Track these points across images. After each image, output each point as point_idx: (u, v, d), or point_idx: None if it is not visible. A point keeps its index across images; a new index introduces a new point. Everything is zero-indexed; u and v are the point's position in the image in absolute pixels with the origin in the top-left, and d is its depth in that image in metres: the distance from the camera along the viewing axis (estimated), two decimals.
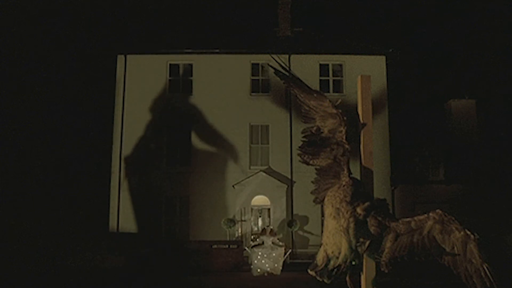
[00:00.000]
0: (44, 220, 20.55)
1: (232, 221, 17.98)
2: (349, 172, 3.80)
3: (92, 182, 22.90)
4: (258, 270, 13.64)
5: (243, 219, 18.12)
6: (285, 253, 14.73)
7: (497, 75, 34.81)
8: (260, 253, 13.61)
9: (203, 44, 20.66)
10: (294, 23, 22.40)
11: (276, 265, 13.69)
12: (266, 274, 13.37)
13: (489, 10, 38.39)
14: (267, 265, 13.55)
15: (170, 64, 20.29)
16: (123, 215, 18.97)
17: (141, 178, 19.30)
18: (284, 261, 14.00)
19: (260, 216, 18.82)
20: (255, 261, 13.73)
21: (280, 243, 14.31)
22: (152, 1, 39.27)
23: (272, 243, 13.82)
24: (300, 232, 18.65)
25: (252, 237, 17.28)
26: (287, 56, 19.68)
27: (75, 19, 35.66)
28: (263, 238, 13.92)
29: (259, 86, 20.34)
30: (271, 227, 15.68)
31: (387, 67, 20.24)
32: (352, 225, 3.56)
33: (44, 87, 26.04)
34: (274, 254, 13.64)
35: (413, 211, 18.33)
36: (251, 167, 19.43)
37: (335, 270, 3.63)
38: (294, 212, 18.88)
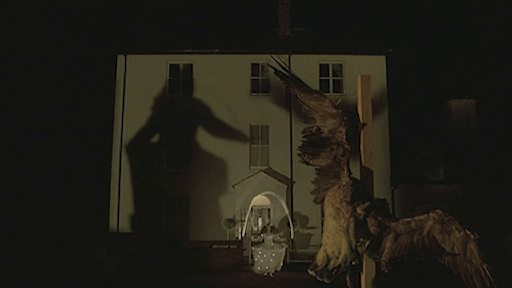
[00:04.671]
0: (44, 220, 20.53)
1: (232, 221, 17.98)
2: (349, 172, 3.80)
3: (92, 182, 22.90)
4: (259, 268, 13.63)
5: (243, 219, 18.11)
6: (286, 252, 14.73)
7: (497, 75, 34.82)
8: (260, 253, 13.61)
9: (203, 44, 20.65)
10: (294, 23, 22.40)
11: (276, 264, 13.68)
12: (266, 274, 13.35)
13: (489, 10, 38.39)
14: (266, 266, 13.54)
15: (170, 64, 20.28)
16: (123, 215, 18.96)
17: (141, 178, 19.28)
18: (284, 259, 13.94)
19: (260, 216, 18.81)
20: (256, 260, 13.72)
21: (282, 239, 14.28)
22: (152, 1, 39.27)
23: (274, 240, 13.80)
24: (301, 231, 18.61)
25: (252, 237, 17.29)
26: (287, 56, 19.67)
27: (75, 19, 35.67)
28: (264, 236, 13.91)
29: (259, 86, 20.34)
30: (272, 224, 15.68)
31: (387, 67, 20.23)
32: (352, 225, 3.56)
33: (44, 87, 26.04)
34: (274, 254, 13.63)
35: (413, 211, 18.33)
36: (251, 167, 19.42)
37: (335, 270, 3.63)
38: (294, 212, 18.87)
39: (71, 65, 29.81)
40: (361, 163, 3.99)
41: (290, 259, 17.19)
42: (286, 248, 14.84)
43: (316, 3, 43.99)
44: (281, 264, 13.88)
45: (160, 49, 20.26)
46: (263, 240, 13.98)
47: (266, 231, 14.19)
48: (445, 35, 41.63)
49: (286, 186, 19.00)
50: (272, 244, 13.70)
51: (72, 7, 35.67)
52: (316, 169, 4.02)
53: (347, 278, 3.75)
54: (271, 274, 13.41)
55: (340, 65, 20.39)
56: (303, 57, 19.98)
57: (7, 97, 24.22)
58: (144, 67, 20.06)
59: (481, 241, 3.32)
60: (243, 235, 17.43)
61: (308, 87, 4.03)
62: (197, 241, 17.08)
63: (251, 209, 18.25)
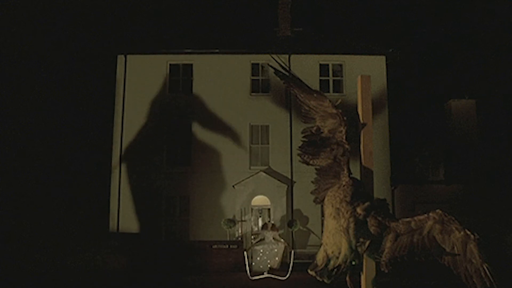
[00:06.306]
0: (44, 220, 20.53)
1: (232, 221, 17.98)
2: (349, 172, 3.80)
3: (92, 182, 22.89)
4: (261, 266, 13.61)
5: (243, 219, 18.12)
6: (285, 251, 14.71)
7: (497, 75, 34.82)
8: (261, 251, 13.62)
9: (203, 44, 20.65)
10: (294, 23, 22.40)
11: (276, 258, 13.67)
12: (265, 273, 13.32)
13: (489, 10, 38.39)
14: (268, 261, 13.53)
15: (170, 64, 20.28)
16: (123, 215, 18.96)
17: (141, 178, 19.28)
18: (289, 262, 13.84)
19: (260, 216, 18.82)
20: (258, 258, 13.71)
21: (282, 240, 14.27)
22: (152, 1, 39.28)
23: (273, 238, 13.81)
24: (303, 229, 18.59)
25: (253, 237, 17.30)
26: (287, 56, 19.67)
27: (75, 19, 35.67)
28: (264, 233, 13.92)
29: (259, 86, 20.34)
30: (272, 222, 15.69)
31: (387, 67, 20.23)
32: (352, 225, 3.56)
33: (44, 87, 26.04)
34: (275, 250, 13.64)
35: (413, 211, 18.33)
36: (251, 167, 19.42)
37: (335, 270, 3.63)
38: (294, 212, 18.88)
39: (71, 65, 29.80)
40: (361, 163, 3.99)
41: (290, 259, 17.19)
42: (286, 247, 14.86)
43: (316, 3, 44.04)
44: (279, 261, 13.87)
45: (160, 49, 20.27)
46: (263, 238, 14.00)
47: (266, 228, 14.21)
48: (445, 35, 41.66)
49: (286, 186, 19.00)
50: (272, 241, 13.72)
51: (72, 7, 35.67)
52: (316, 169, 4.02)
53: (347, 278, 3.75)
54: (269, 267, 13.39)
55: (340, 65, 20.38)
56: (303, 57, 19.97)
57: (7, 97, 24.22)
58: (144, 67, 20.05)
59: (481, 241, 3.32)
60: (242, 234, 17.44)
61: (308, 87, 4.04)
62: (197, 241, 17.08)
63: (251, 210, 18.28)
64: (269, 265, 13.60)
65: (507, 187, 18.79)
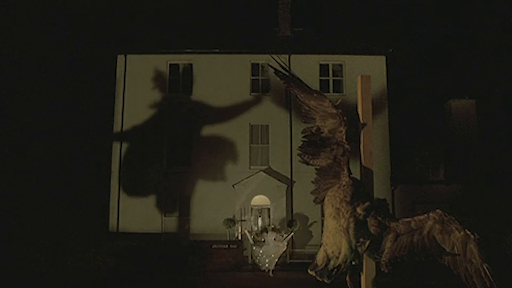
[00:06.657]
0: (44, 220, 20.53)
1: (232, 221, 17.99)
2: (349, 172, 3.79)
3: (92, 182, 22.89)
4: (260, 265, 13.66)
5: (243, 219, 18.12)
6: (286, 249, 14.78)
7: (497, 75, 34.82)
8: (261, 252, 13.65)
9: (203, 44, 20.65)
10: (294, 23, 22.41)
11: (276, 259, 13.73)
12: (267, 271, 13.34)
13: (489, 10, 38.39)
14: (267, 262, 13.58)
15: (170, 64, 20.28)
16: (123, 215, 18.96)
17: (141, 178, 19.28)
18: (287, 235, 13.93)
19: (260, 216, 18.82)
20: (258, 258, 13.77)
21: (284, 235, 14.30)
22: (152, 1, 39.28)
23: (275, 239, 13.85)
24: (301, 231, 18.61)
25: (254, 235, 17.31)
26: (287, 56, 19.68)
27: (75, 19, 35.67)
28: (265, 236, 13.95)
29: (259, 86, 20.34)
30: (273, 226, 15.73)
31: (387, 67, 20.23)
32: (352, 225, 3.55)
33: (44, 87, 26.04)
34: (275, 252, 13.68)
35: (413, 211, 18.32)
36: (251, 167, 19.42)
37: (335, 270, 3.63)
38: (294, 212, 18.88)
39: (71, 65, 29.82)
40: (361, 163, 3.98)
41: (290, 259, 17.21)
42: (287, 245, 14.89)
43: (316, 3, 44.05)
44: (276, 260, 13.94)
45: (160, 49, 20.27)
46: (263, 241, 14.03)
47: (266, 232, 14.25)
48: (445, 35, 41.66)
49: (286, 186, 19.00)
50: (273, 243, 13.76)
51: (72, 7, 35.67)
52: (316, 169, 4.01)
53: (347, 278, 3.74)
54: (270, 274, 13.43)
55: (340, 65, 20.38)
56: (303, 57, 19.98)
57: (7, 97, 24.22)
58: (144, 67, 20.06)
59: (481, 241, 3.31)
60: (241, 234, 17.45)
61: (308, 87, 4.03)
62: (197, 241, 17.09)
63: (251, 209, 18.28)
64: (268, 266, 13.62)
65: (507, 187, 18.79)
